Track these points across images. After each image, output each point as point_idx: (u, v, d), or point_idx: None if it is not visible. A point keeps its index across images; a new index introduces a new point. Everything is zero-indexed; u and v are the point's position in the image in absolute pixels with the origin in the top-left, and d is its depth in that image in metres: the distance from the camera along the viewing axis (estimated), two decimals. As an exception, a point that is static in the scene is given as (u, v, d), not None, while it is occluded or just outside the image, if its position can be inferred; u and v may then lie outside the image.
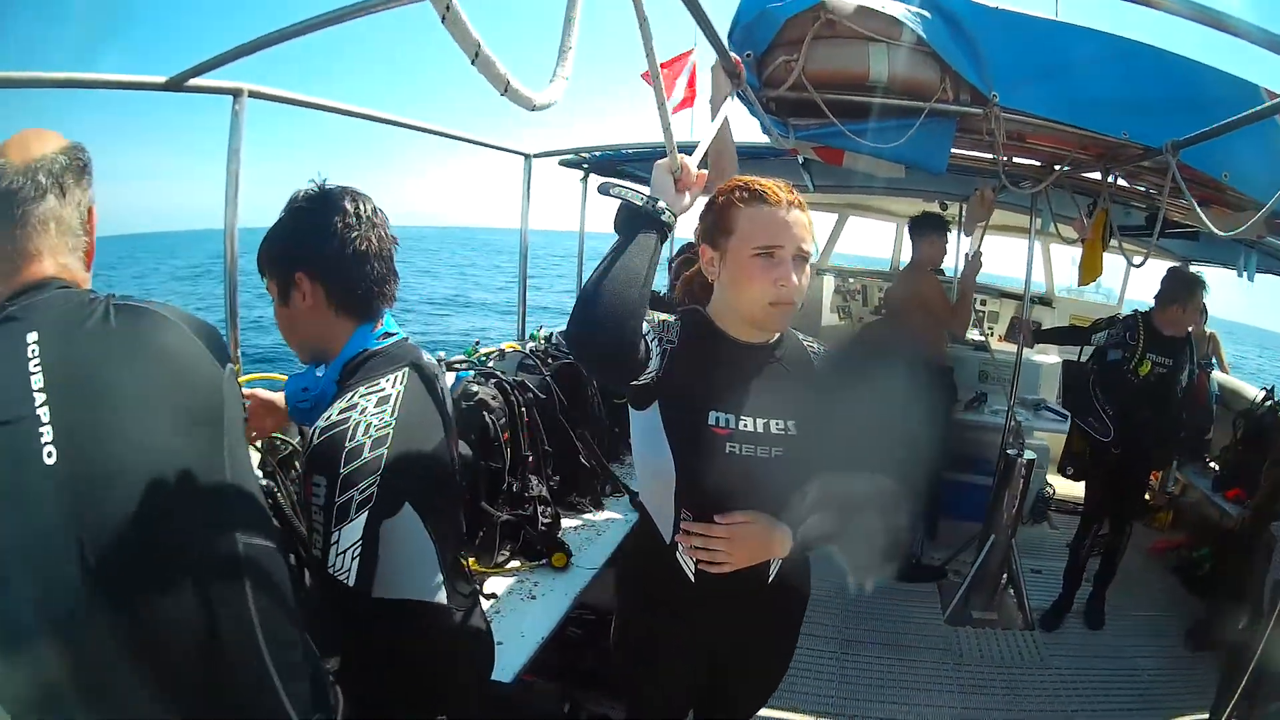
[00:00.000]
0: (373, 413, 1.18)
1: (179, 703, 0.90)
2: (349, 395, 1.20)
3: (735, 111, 2.14)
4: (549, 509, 2.48)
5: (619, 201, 1.27)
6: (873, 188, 4.91)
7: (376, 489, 1.15)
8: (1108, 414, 3.66)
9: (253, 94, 2.07)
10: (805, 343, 1.53)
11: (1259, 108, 1.99)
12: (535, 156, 4.14)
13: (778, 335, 1.47)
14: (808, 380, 1.46)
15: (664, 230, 1.25)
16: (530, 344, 3.52)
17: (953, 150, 2.71)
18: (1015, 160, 3.34)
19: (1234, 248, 4.21)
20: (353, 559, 1.14)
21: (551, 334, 3.72)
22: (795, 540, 1.41)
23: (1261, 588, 2.83)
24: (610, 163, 4.63)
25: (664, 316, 1.45)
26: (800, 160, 3.76)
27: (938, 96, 2.38)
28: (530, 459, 2.57)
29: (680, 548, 1.43)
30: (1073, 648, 3.52)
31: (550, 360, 3.08)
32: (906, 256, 7.08)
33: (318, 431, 1.15)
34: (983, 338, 5.77)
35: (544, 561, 2.37)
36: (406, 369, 1.28)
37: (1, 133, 1.05)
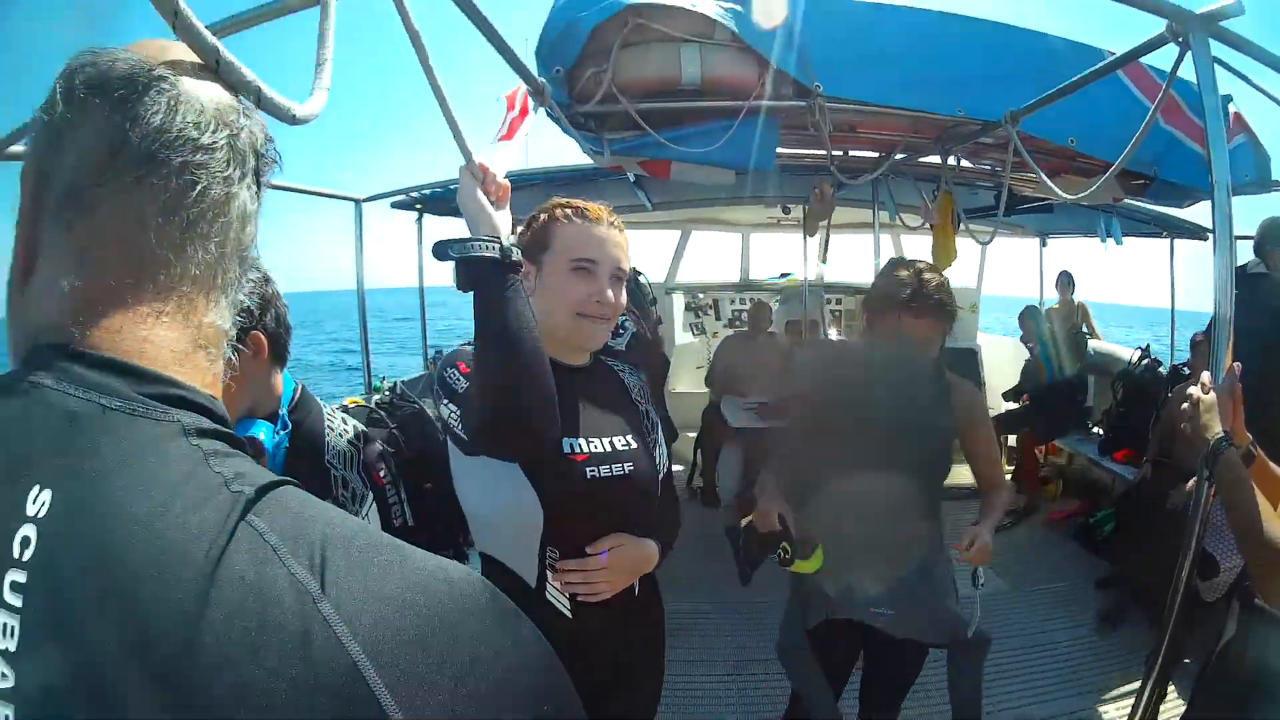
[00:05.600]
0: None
1: None
2: (336, 417, 1.62)
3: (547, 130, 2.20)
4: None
5: (459, 259, 1.14)
6: (711, 199, 4.77)
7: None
8: None
9: None
10: (610, 364, 1.55)
11: (1094, 68, 1.91)
12: (366, 201, 4.08)
13: (590, 359, 1.47)
14: (624, 394, 1.50)
15: (519, 269, 1.17)
16: (375, 396, 3.40)
17: (786, 150, 2.64)
18: (852, 153, 3.25)
19: (1091, 215, 4.27)
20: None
21: (396, 384, 3.53)
22: (661, 549, 1.44)
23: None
24: (444, 200, 4.53)
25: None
26: (631, 179, 3.62)
27: (755, 93, 2.28)
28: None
29: (550, 588, 1.35)
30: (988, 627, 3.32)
31: (396, 412, 2.86)
32: (755, 266, 7.11)
33: (352, 438, 1.57)
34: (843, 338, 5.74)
35: None
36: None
37: None
